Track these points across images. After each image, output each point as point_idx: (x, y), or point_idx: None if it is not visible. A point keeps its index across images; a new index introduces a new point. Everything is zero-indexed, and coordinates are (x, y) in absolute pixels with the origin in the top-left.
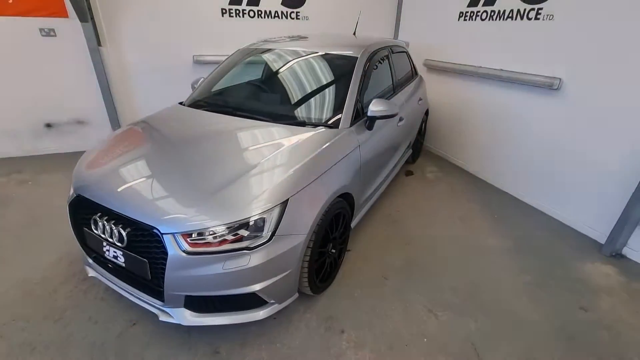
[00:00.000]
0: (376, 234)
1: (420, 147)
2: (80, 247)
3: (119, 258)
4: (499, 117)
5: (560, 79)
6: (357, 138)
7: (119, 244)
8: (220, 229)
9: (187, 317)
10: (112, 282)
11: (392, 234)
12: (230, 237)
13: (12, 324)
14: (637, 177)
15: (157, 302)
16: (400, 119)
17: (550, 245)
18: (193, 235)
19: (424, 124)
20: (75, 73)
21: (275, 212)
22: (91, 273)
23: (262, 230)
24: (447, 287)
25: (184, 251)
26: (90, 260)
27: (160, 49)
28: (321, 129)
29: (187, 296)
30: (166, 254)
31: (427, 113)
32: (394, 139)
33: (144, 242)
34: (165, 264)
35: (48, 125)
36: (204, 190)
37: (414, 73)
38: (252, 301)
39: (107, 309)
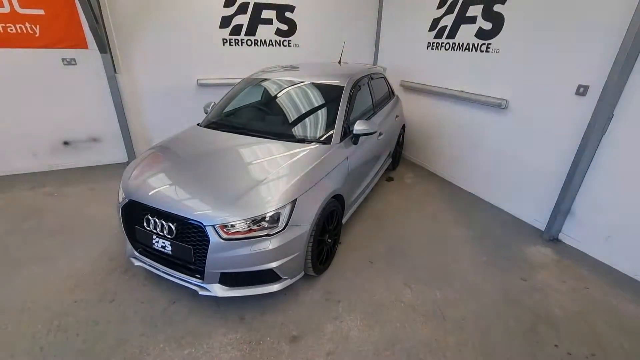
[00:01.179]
0: (363, 228)
1: (399, 156)
2: (129, 243)
3: (166, 248)
4: (463, 130)
5: (506, 100)
6: (346, 151)
7: (168, 236)
8: (248, 221)
9: (221, 291)
10: (156, 268)
11: (376, 229)
12: (255, 227)
13: (75, 305)
14: (564, 175)
15: (197, 281)
16: (380, 134)
17: (502, 233)
18: (228, 226)
19: (401, 137)
20: (92, 97)
21: (288, 208)
22: (137, 263)
23: (278, 222)
24: (420, 267)
25: (221, 238)
26: (137, 253)
27: (168, 74)
28: (316, 145)
29: (222, 273)
30: (208, 241)
31: (404, 127)
32: (375, 150)
33: (190, 233)
34: (207, 249)
35: (66, 143)
36: (234, 194)
37: (390, 94)
38: (270, 276)
39: (149, 292)
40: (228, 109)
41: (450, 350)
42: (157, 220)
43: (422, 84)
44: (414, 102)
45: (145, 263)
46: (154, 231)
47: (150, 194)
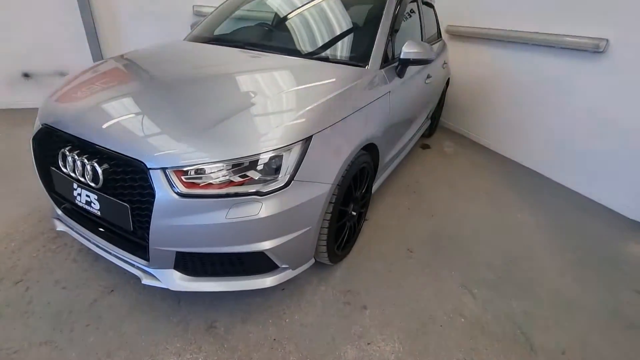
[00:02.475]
0: (395, 204)
1: (436, 121)
2: (47, 195)
3: (92, 204)
4: (529, 89)
5: (606, 40)
6: (388, 85)
7: (92, 185)
8: (226, 166)
9: (177, 281)
10: (86, 238)
11: (413, 206)
12: (237, 179)
13: None
14: None
15: (141, 262)
16: (429, 76)
17: (583, 223)
18: (190, 173)
19: (443, 95)
20: (57, 16)
21: (296, 151)
22: (60, 227)
23: (278, 173)
24: (481, 263)
25: (177, 193)
26: (59, 212)
27: None
28: (348, 66)
29: (178, 253)
30: (153, 195)
31: (447, 83)
32: (421, 96)
33: (125, 181)
34: (151, 210)
35: (26, 75)
36: (205, 123)
37: (439, 34)
38: (260, 264)
39: (79, 273)
40: (223, 17)
41: None
42: (76, 157)
43: (477, 27)
44: (460, 53)
45: (72, 228)
46: (72, 175)
47: (70, 115)
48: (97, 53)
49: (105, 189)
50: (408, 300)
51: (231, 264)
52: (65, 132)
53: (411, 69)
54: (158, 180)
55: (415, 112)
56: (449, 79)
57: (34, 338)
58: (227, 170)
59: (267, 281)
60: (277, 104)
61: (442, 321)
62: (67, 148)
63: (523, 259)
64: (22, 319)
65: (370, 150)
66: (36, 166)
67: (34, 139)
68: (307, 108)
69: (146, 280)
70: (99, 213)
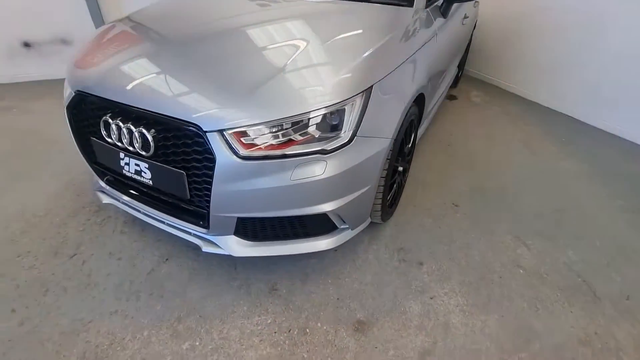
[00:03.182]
0: (431, 158)
1: (462, 68)
2: (89, 166)
3: (143, 173)
4: (570, 24)
5: None
6: (433, 25)
7: (142, 153)
8: (286, 125)
9: (238, 247)
10: (135, 208)
11: (450, 159)
12: (298, 137)
13: (18, 260)
14: None
15: (200, 230)
16: (465, 16)
17: (629, 169)
18: (248, 134)
19: (471, 39)
20: None
21: (357, 104)
22: (106, 200)
23: (340, 129)
24: (530, 214)
25: (238, 156)
26: (103, 184)
27: None
28: (393, 7)
29: (239, 219)
30: (213, 160)
31: (474, 25)
32: (458, 39)
33: (179, 147)
34: (211, 175)
35: (26, 45)
36: (257, 80)
37: None
38: (321, 226)
39: (130, 244)
40: None
41: (628, 351)
42: (121, 125)
43: None
44: None
45: (119, 200)
46: (119, 144)
47: (111, 81)
48: (97, 16)
49: (156, 157)
50: (463, 255)
51: (292, 226)
52: (103, 98)
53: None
54: (217, 144)
55: (452, 56)
56: (476, 21)
57: (103, 308)
58: (287, 129)
59: (327, 243)
60: (328, 54)
61: (500, 273)
62: (109, 115)
63: (572, 208)
64: (86, 291)
65: (416, 100)
66: (74, 137)
67: (67, 107)
68: (364, 55)
69: (206, 248)
70: (150, 183)
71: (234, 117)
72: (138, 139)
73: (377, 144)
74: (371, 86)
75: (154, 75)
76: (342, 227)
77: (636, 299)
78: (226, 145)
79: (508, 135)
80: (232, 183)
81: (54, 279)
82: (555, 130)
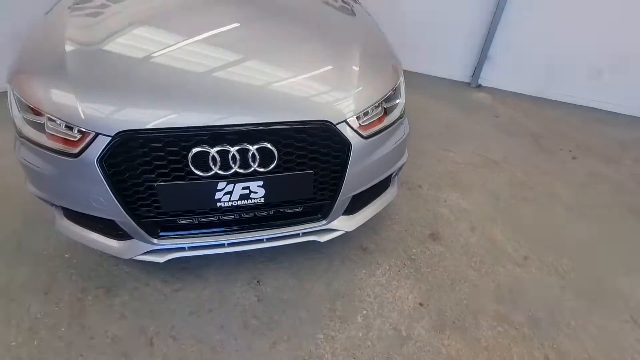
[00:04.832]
0: None
1: None
2: (135, 225)
3: (253, 194)
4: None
5: None
6: None
7: (261, 170)
8: (385, 97)
9: (348, 223)
10: (203, 247)
11: None
12: (387, 105)
13: None
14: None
15: (316, 225)
16: None
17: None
18: (361, 116)
19: None
20: None
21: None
22: (168, 255)
23: (397, 101)
24: None
25: (362, 137)
26: (155, 240)
27: None
28: None
29: (353, 197)
30: (347, 148)
31: None
32: None
33: (306, 148)
34: (345, 163)
35: None
36: (350, 68)
37: None
38: (387, 181)
39: (208, 287)
40: None
41: None
42: (230, 149)
43: None
44: None
45: (186, 243)
46: (221, 173)
47: (186, 101)
48: None
49: (277, 168)
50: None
51: (377, 188)
52: (182, 128)
53: None
54: (347, 133)
55: None
56: None
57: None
58: (379, 105)
59: (391, 193)
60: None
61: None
62: (199, 145)
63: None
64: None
65: None
66: (114, 195)
67: (102, 159)
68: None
69: (323, 237)
70: (262, 201)
71: (352, 105)
72: (256, 156)
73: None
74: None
75: (245, 81)
76: (395, 175)
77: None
78: (352, 131)
79: None
80: (360, 163)
81: None
82: None
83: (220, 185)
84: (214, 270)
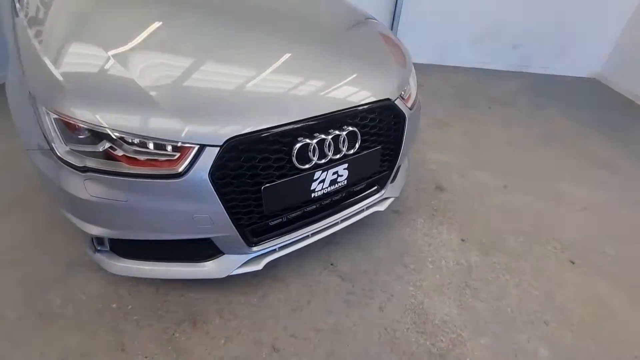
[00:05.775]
0: None
1: None
2: (238, 235)
3: (339, 178)
4: None
5: None
6: None
7: (350, 152)
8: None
9: (394, 189)
10: (290, 243)
11: None
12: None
13: None
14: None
15: (374, 198)
16: None
17: None
18: (401, 94)
19: None
20: None
21: None
22: (266, 259)
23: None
24: None
25: (409, 108)
26: (254, 246)
27: None
28: None
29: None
30: (403, 119)
31: None
32: None
33: (377, 126)
34: (402, 132)
35: None
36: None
37: None
38: None
39: (279, 287)
40: None
41: None
42: (325, 137)
43: None
44: None
45: (277, 244)
46: (321, 162)
47: (285, 101)
48: None
49: (359, 150)
50: None
51: None
52: (285, 125)
53: None
54: (402, 106)
55: None
56: None
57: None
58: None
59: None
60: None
61: None
62: (300, 139)
63: None
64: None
65: None
66: (224, 206)
67: (212, 173)
68: None
69: (384, 206)
70: (345, 183)
71: (398, 85)
72: (345, 142)
73: None
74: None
75: (325, 78)
76: None
77: None
78: (403, 105)
79: None
80: (410, 132)
81: None
82: None
83: (317, 174)
84: (285, 270)
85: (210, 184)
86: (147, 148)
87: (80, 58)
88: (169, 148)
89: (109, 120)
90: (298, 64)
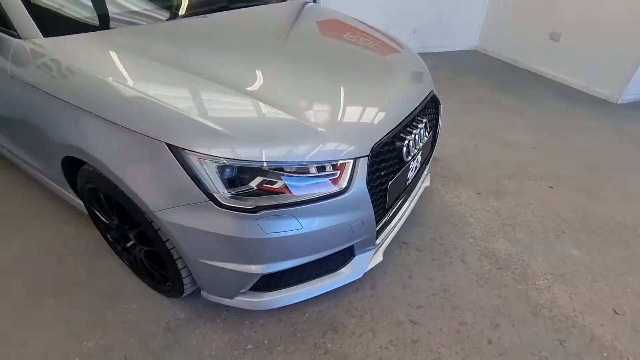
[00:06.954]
0: None
1: None
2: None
3: (418, 162)
4: None
5: None
6: None
7: (425, 139)
8: None
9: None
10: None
11: None
12: None
13: None
14: None
15: (425, 174)
16: None
17: None
18: None
19: None
20: None
21: None
22: (382, 249)
23: None
24: None
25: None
26: (378, 240)
27: None
28: None
29: None
30: (438, 107)
31: None
32: None
33: (431, 114)
34: (437, 119)
35: None
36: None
37: None
38: None
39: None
40: None
41: None
42: (419, 127)
43: None
44: None
45: (390, 231)
46: (414, 152)
47: (393, 104)
48: None
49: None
50: None
51: None
52: (395, 126)
53: None
54: (437, 94)
55: None
56: None
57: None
58: None
59: None
60: None
61: None
62: (403, 136)
63: None
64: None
65: None
66: (375, 210)
67: (368, 181)
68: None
69: (428, 182)
70: (419, 167)
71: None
72: (427, 128)
73: None
74: None
75: (398, 81)
76: None
77: None
78: (435, 93)
79: None
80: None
81: None
82: None
83: (412, 164)
84: None
85: (368, 193)
86: (309, 173)
87: (227, 105)
88: (329, 168)
89: (273, 155)
90: (383, 81)
